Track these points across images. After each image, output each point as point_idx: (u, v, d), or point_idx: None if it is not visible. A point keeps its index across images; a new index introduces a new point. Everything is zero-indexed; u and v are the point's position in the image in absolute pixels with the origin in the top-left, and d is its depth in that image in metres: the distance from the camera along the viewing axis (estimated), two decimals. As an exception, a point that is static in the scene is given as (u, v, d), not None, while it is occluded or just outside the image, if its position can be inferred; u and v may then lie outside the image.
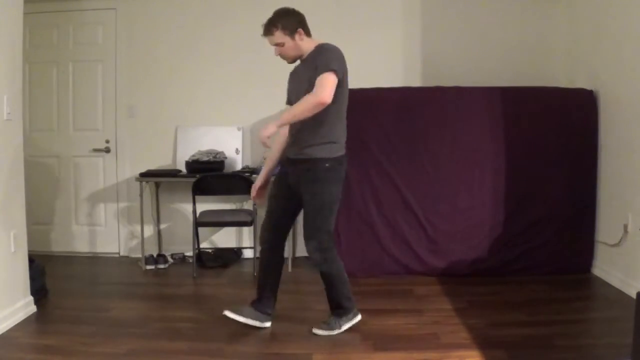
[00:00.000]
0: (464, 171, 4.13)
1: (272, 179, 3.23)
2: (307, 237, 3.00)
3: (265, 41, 5.00)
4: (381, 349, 2.83)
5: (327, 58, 2.81)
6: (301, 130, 2.91)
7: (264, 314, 3.12)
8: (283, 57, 2.98)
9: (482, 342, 2.87)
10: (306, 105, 2.75)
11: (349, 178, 4.10)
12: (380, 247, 4.14)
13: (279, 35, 2.90)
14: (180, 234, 4.86)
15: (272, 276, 3.13)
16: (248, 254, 4.73)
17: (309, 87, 2.81)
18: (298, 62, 3.03)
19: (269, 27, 2.91)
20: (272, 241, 3.08)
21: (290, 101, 3.05)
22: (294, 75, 3.09)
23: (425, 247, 4.14)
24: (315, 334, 3.03)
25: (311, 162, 2.91)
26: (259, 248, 3.16)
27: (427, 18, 4.74)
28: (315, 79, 2.77)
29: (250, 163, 4.84)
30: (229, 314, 3.07)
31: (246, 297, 3.86)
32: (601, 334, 3.04)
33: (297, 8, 4.85)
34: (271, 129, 2.77)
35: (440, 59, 4.71)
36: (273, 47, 2.97)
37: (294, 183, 3.00)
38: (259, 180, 3.18)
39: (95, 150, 4.93)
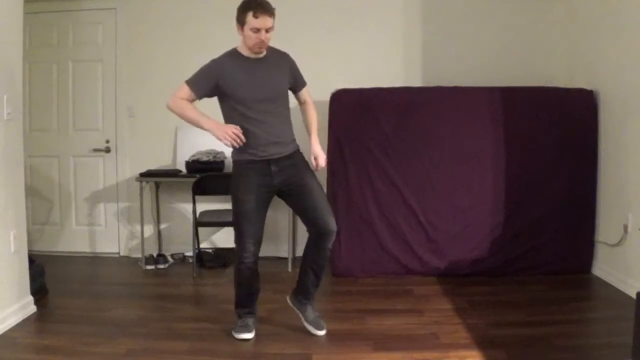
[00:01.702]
0: (464, 171, 4.12)
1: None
2: (331, 215, 3.00)
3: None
4: (381, 349, 2.83)
5: (298, 70, 3.07)
6: (283, 130, 2.97)
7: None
8: (263, 46, 2.81)
9: (482, 342, 2.87)
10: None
11: (348, 178, 4.12)
12: (380, 247, 4.14)
13: (273, 22, 2.77)
14: (180, 234, 4.86)
15: (258, 284, 3.11)
16: (248, 254, 4.73)
17: (282, 84, 2.96)
18: (226, 55, 2.93)
19: (272, 10, 2.75)
20: (257, 253, 2.98)
21: (245, 96, 2.84)
22: (241, 69, 2.85)
23: (425, 247, 4.14)
24: (323, 335, 3.04)
25: (297, 154, 3.04)
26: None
27: (427, 18, 4.73)
28: (287, 78, 2.98)
29: (250, 163, 4.83)
30: (243, 336, 2.99)
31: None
32: (601, 334, 3.04)
33: (297, 9, 4.88)
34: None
35: (440, 59, 4.71)
36: (256, 34, 2.74)
37: (282, 181, 2.94)
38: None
39: (95, 150, 4.93)
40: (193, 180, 4.29)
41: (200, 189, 4.31)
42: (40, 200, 4.94)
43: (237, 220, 2.94)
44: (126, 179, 4.91)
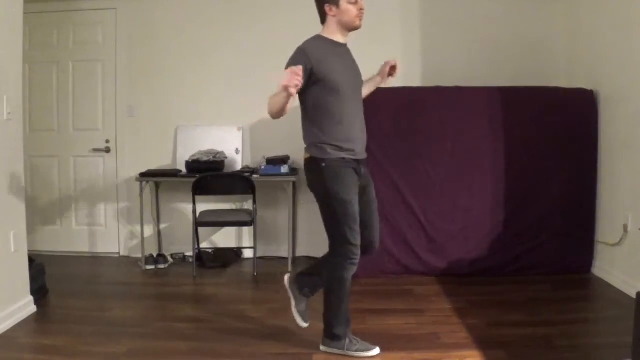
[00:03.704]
0: (464, 171, 4.12)
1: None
2: (378, 233, 2.90)
3: (264, 42, 5.00)
4: (381, 349, 2.82)
5: None
6: (364, 126, 2.88)
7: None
8: (363, 16, 2.78)
9: (482, 342, 2.87)
10: None
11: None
12: (381, 247, 4.11)
13: None
14: (180, 234, 4.86)
15: (315, 268, 2.94)
16: (248, 254, 4.73)
17: (360, 76, 2.87)
18: (321, 40, 2.72)
19: None
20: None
21: (341, 80, 2.68)
22: (333, 53, 2.71)
23: (425, 247, 4.13)
24: (306, 327, 2.95)
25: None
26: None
27: (426, 18, 4.73)
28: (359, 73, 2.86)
29: (250, 163, 4.84)
30: (374, 352, 2.78)
31: (246, 296, 3.87)
32: (601, 334, 3.04)
33: (296, 8, 4.88)
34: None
35: (440, 59, 4.71)
36: (355, 5, 2.74)
37: (362, 185, 2.79)
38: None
39: (95, 150, 4.93)
40: (193, 180, 4.29)
41: (200, 189, 4.31)
42: (40, 200, 4.94)
43: (345, 223, 2.67)
44: (126, 179, 4.91)
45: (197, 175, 4.31)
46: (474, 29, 4.70)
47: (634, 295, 2.50)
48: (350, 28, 2.75)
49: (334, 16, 2.70)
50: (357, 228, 2.70)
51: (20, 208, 3.38)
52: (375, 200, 2.89)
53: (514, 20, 4.69)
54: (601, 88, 4.08)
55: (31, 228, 4.51)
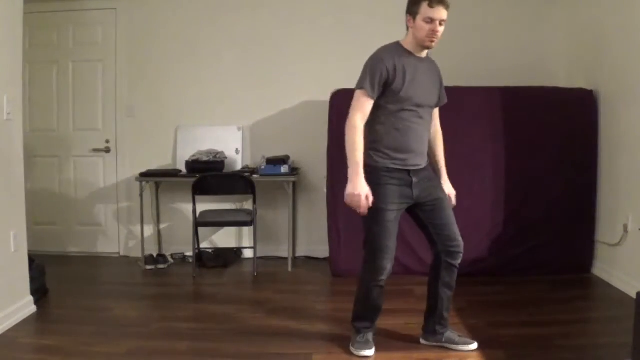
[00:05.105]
0: (464, 171, 4.11)
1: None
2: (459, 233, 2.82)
3: (265, 42, 4.97)
4: (381, 349, 2.82)
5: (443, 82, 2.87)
6: (426, 141, 2.78)
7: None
8: (434, 39, 2.63)
9: (482, 342, 2.86)
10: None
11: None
12: (380, 247, 4.13)
13: (447, 15, 2.59)
14: (180, 234, 4.86)
15: (383, 299, 2.85)
16: (248, 253, 4.73)
17: (435, 95, 2.77)
18: (393, 51, 2.68)
19: (448, 3, 2.58)
20: (391, 270, 2.76)
21: (409, 96, 2.62)
22: (408, 66, 2.65)
23: (425, 247, 4.10)
24: (476, 346, 2.82)
25: (429, 166, 2.85)
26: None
27: (427, 18, 4.73)
28: (439, 88, 2.80)
29: (250, 163, 4.84)
30: (365, 353, 2.74)
31: (246, 296, 3.87)
32: (601, 334, 3.04)
33: (298, 9, 4.88)
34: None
35: (440, 59, 4.66)
36: (429, 25, 2.58)
37: (419, 193, 2.71)
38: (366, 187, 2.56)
39: (95, 150, 4.93)
40: (193, 180, 4.29)
41: (200, 189, 4.31)
42: (40, 200, 4.93)
43: (375, 233, 2.68)
44: (126, 179, 4.91)
45: (197, 175, 4.31)
46: (474, 29, 4.70)
47: (634, 295, 2.50)
48: (421, 46, 2.67)
49: (411, 27, 2.67)
50: (389, 243, 2.69)
51: (20, 208, 3.38)
52: (447, 201, 2.81)
53: (515, 20, 4.69)
54: (601, 88, 4.08)
55: (31, 228, 4.52)
